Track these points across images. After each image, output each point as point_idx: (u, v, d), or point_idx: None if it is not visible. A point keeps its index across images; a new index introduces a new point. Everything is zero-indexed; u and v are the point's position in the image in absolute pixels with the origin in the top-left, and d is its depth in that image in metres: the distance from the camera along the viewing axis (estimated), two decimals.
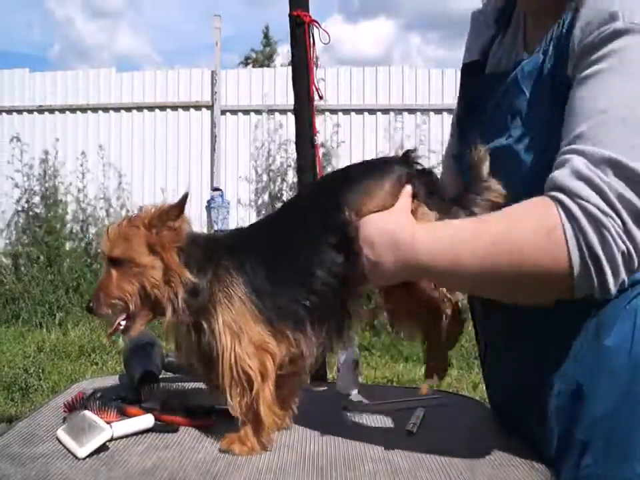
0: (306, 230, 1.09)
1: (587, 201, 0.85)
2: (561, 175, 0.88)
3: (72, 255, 6.22)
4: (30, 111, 6.88)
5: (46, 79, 6.95)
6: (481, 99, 1.13)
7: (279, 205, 5.73)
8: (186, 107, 6.73)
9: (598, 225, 0.84)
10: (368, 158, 1.25)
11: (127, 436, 1.10)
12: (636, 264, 0.88)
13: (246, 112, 6.66)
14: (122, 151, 6.68)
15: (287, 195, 6.32)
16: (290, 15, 1.64)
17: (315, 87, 1.65)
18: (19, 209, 6.44)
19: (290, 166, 6.26)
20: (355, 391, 1.46)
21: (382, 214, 1.02)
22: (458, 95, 1.27)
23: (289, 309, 1.06)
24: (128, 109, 6.80)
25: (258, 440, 1.06)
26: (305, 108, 1.64)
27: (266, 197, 6.50)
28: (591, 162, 0.86)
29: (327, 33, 1.64)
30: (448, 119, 6.05)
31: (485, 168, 1.04)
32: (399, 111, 6.45)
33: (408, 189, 1.04)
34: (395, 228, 0.98)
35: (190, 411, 1.20)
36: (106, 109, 6.81)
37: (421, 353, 4.94)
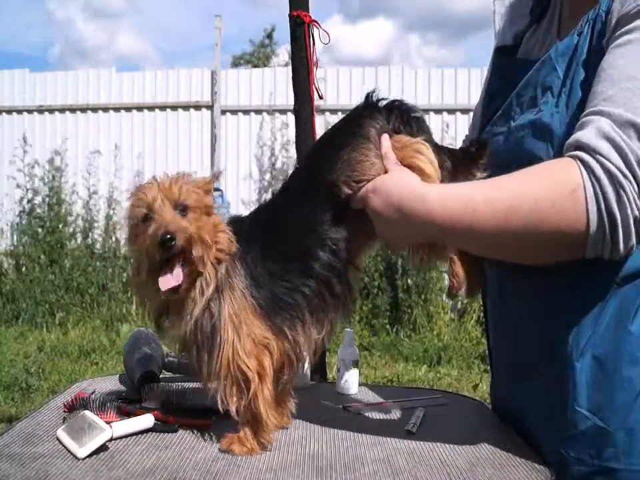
0: (303, 214, 1.09)
1: (609, 161, 0.86)
2: (585, 135, 0.89)
3: (73, 255, 6.22)
4: (30, 111, 6.88)
5: (46, 79, 6.95)
6: (509, 78, 1.14)
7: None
8: (186, 107, 6.73)
9: (617, 186, 0.85)
10: None
11: (127, 436, 1.11)
12: None
13: (246, 112, 6.66)
14: (122, 151, 6.68)
15: None
16: (290, 15, 1.64)
17: (315, 86, 1.65)
18: (21, 209, 6.44)
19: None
20: (354, 391, 1.47)
21: (382, 183, 1.03)
22: (486, 75, 1.29)
23: (287, 300, 1.06)
24: (128, 109, 6.79)
25: (258, 440, 1.07)
26: (305, 108, 1.64)
27: (268, 196, 6.47)
28: (616, 124, 0.87)
29: (327, 33, 1.64)
30: (449, 119, 6.05)
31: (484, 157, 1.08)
32: None
33: (385, 140, 1.07)
34: (399, 197, 1.00)
35: (190, 411, 1.20)
36: (106, 109, 6.81)
37: (420, 353, 4.87)
